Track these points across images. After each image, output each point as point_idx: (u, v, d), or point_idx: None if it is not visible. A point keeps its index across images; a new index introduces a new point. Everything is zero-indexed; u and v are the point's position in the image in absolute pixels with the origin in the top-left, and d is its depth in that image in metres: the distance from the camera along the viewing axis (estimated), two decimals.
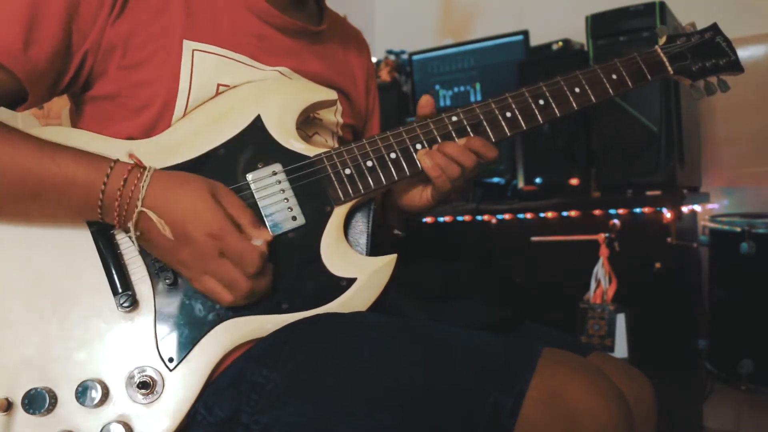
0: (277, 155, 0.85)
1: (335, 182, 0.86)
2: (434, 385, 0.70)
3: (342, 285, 0.82)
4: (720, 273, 1.81)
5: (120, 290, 0.77)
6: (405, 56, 2.65)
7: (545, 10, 2.51)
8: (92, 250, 0.79)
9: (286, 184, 0.84)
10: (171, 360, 0.77)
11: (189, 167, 0.82)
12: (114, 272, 0.78)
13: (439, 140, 0.90)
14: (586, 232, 1.80)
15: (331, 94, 0.90)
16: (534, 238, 1.91)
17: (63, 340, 0.76)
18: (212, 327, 0.79)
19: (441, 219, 2.08)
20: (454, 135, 0.91)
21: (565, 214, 1.88)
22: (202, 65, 0.85)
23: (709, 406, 2.04)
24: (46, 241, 0.79)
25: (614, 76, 0.97)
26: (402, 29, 2.93)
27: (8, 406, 0.73)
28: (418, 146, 0.89)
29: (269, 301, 0.81)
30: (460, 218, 2.06)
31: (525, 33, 2.26)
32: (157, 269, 0.79)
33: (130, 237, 0.75)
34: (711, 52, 1.02)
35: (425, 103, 0.92)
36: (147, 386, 0.75)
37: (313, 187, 0.85)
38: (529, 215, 1.94)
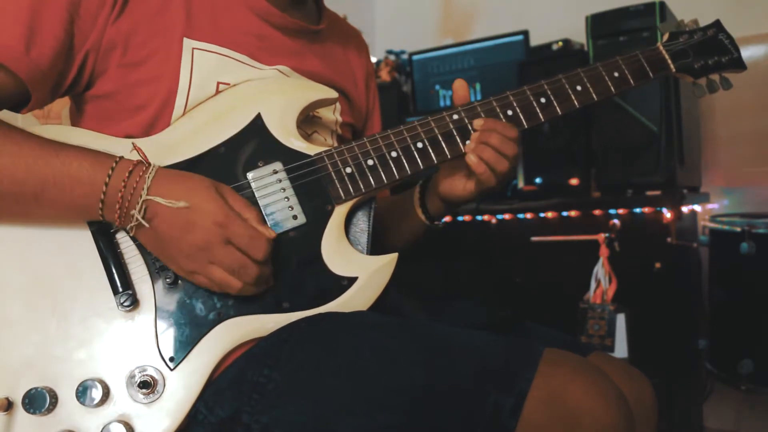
0: (277, 154, 0.85)
1: (336, 181, 0.86)
2: (434, 385, 0.70)
3: (343, 284, 0.82)
4: (720, 273, 1.81)
5: (120, 289, 0.77)
6: (405, 56, 2.65)
7: (545, 10, 2.51)
8: (92, 250, 0.79)
9: (286, 183, 0.84)
10: (172, 359, 0.77)
11: (189, 166, 0.82)
12: (114, 271, 0.78)
13: (441, 139, 0.90)
14: (586, 232, 1.80)
15: (331, 93, 0.90)
16: (534, 238, 1.91)
17: (63, 339, 0.76)
18: (213, 326, 0.79)
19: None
20: (455, 133, 0.91)
21: (565, 214, 1.88)
22: (202, 64, 0.85)
23: (709, 406, 2.04)
24: (46, 240, 0.79)
25: (616, 74, 0.97)
26: (402, 29, 2.93)
27: (9, 406, 0.73)
28: (419, 144, 0.89)
29: (270, 300, 0.81)
30: (460, 218, 2.06)
31: (525, 33, 2.26)
32: (157, 268, 0.79)
33: (131, 228, 0.75)
34: (713, 49, 1.01)
35: (459, 86, 0.94)
36: (148, 386, 0.75)
37: (313, 186, 0.85)
38: (529, 215, 1.94)
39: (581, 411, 0.67)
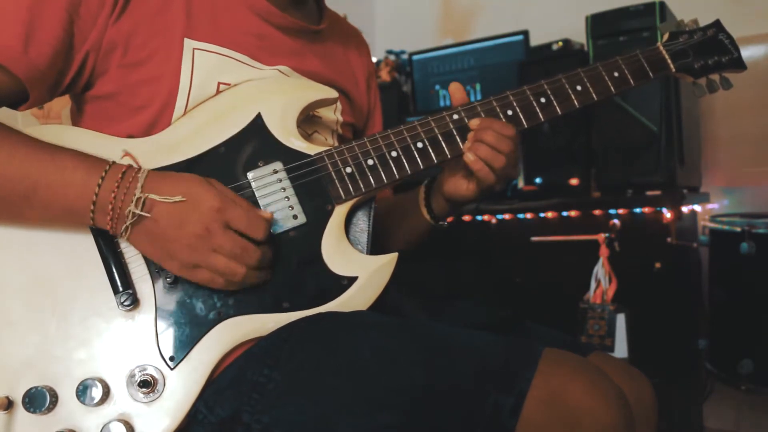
0: (277, 154, 0.85)
1: (336, 181, 0.86)
2: (434, 385, 0.70)
3: (343, 284, 0.82)
4: (720, 273, 1.81)
5: (120, 289, 0.77)
6: (405, 56, 2.65)
7: (545, 10, 2.51)
8: (92, 249, 0.79)
9: (286, 183, 0.84)
10: (172, 359, 0.77)
11: (189, 165, 0.82)
12: (114, 271, 0.78)
13: (441, 138, 0.90)
14: (586, 232, 1.80)
15: (332, 93, 0.90)
16: (534, 238, 1.91)
17: (64, 339, 0.76)
18: (213, 326, 0.79)
19: None
20: (455, 133, 0.91)
21: (565, 214, 1.88)
22: (203, 64, 0.85)
23: (709, 406, 2.04)
24: (46, 240, 0.79)
25: (616, 74, 0.97)
26: (402, 29, 2.93)
27: (9, 405, 0.73)
28: (419, 144, 0.89)
29: (270, 299, 0.81)
30: (460, 218, 2.06)
31: (525, 33, 2.26)
32: (157, 268, 0.79)
33: (125, 229, 0.74)
34: (713, 49, 1.01)
35: (455, 89, 0.94)
36: (148, 385, 0.75)
37: (313, 186, 0.85)
38: (529, 215, 1.94)
39: (581, 411, 0.67)
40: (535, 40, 2.24)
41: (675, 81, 1.77)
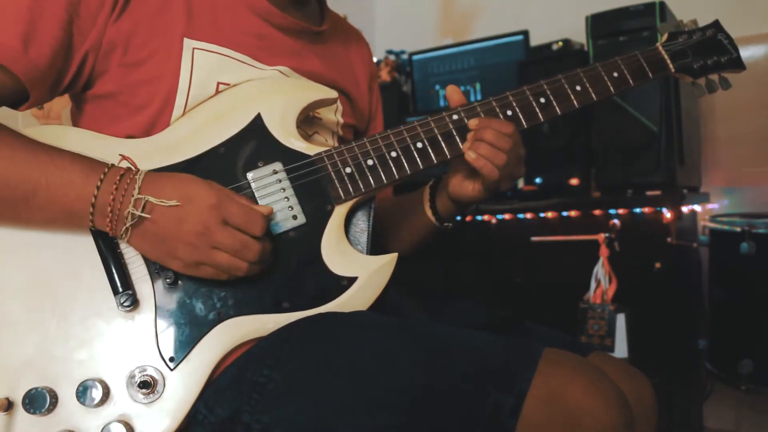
0: (277, 154, 0.85)
1: (336, 181, 0.86)
2: (434, 385, 0.70)
3: (343, 284, 0.82)
4: (720, 273, 1.81)
5: (120, 289, 0.77)
6: (405, 56, 2.65)
7: (545, 10, 2.51)
8: (92, 250, 0.79)
9: (286, 183, 0.84)
10: (172, 359, 0.77)
11: (189, 165, 0.82)
12: (114, 271, 0.78)
13: (440, 139, 0.90)
14: (586, 232, 1.80)
15: (331, 93, 0.90)
16: (534, 238, 1.91)
17: (63, 339, 0.76)
18: (213, 326, 0.79)
19: None
20: (455, 133, 0.91)
21: (565, 214, 1.88)
22: (202, 64, 0.85)
23: (709, 406, 2.04)
24: (46, 241, 0.79)
25: (615, 74, 0.97)
26: (402, 29, 2.93)
27: (9, 406, 0.73)
28: (419, 144, 0.89)
29: (270, 300, 0.81)
30: (459, 218, 2.05)
31: (525, 33, 2.26)
32: (157, 268, 0.79)
33: (125, 231, 0.74)
34: (713, 49, 1.02)
35: (452, 91, 0.94)
36: (148, 386, 0.75)
37: (313, 186, 0.85)
38: (529, 215, 1.94)
39: (581, 411, 0.67)
40: (535, 40, 2.24)
41: (675, 81, 1.77)
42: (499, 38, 2.31)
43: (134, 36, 0.83)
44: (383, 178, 0.88)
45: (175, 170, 0.81)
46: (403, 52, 2.68)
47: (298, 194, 0.84)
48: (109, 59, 0.83)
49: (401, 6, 2.99)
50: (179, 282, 0.79)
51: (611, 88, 0.96)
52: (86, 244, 0.79)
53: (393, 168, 0.88)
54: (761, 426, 2.03)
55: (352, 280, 0.83)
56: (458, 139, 0.91)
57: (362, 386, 0.72)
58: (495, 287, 1.99)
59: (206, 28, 0.87)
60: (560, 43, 2.10)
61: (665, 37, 1.02)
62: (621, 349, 1.65)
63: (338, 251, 0.84)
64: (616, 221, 1.76)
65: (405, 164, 0.89)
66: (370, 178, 0.87)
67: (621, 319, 1.67)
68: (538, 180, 1.98)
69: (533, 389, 0.68)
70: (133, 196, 0.74)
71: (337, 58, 1.05)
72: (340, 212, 0.86)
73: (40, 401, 0.73)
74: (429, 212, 1.04)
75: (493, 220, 2.01)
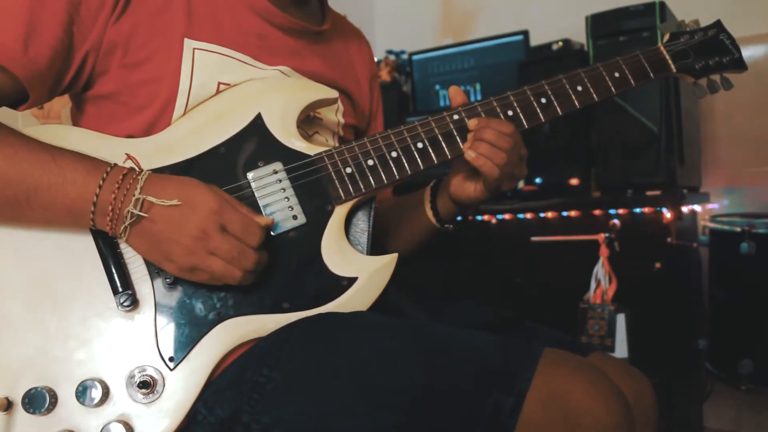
0: (277, 154, 0.85)
1: (336, 181, 0.86)
2: (434, 385, 0.70)
3: (343, 284, 0.82)
4: (720, 273, 1.81)
5: (120, 289, 0.77)
6: (405, 56, 2.65)
7: (545, 10, 2.51)
8: (92, 250, 0.79)
9: (286, 183, 0.84)
10: (171, 359, 0.77)
11: (189, 165, 0.82)
12: (114, 271, 0.78)
13: (441, 139, 0.90)
14: (586, 232, 1.80)
15: (332, 93, 0.90)
16: (534, 238, 1.91)
17: (63, 339, 0.76)
18: (213, 326, 0.79)
19: None
20: (455, 133, 0.91)
21: (565, 214, 1.88)
22: (203, 64, 0.85)
23: (709, 406, 2.04)
24: (46, 240, 0.79)
25: (617, 74, 0.97)
26: (402, 29, 2.93)
27: (8, 406, 0.73)
28: (420, 144, 0.89)
29: (270, 300, 0.81)
30: (460, 218, 2.05)
31: (525, 33, 2.26)
32: (157, 268, 0.79)
33: (124, 229, 0.74)
34: (714, 49, 1.01)
35: (455, 92, 0.94)
36: (147, 386, 0.75)
37: (313, 186, 0.85)
38: (529, 215, 1.94)
39: (581, 411, 0.67)
40: (535, 40, 2.24)
41: (675, 81, 1.77)
42: (499, 38, 2.31)
43: (134, 36, 0.83)
44: (384, 178, 0.88)
45: (175, 170, 0.81)
46: (403, 52, 2.68)
47: (299, 194, 0.84)
48: (109, 60, 0.83)
49: (401, 6, 2.99)
50: (179, 282, 0.79)
51: (612, 89, 0.96)
52: (86, 244, 0.79)
53: (393, 168, 0.88)
54: (761, 426, 2.03)
55: (352, 281, 0.83)
56: (459, 139, 0.91)
57: (362, 386, 0.72)
58: (495, 287, 1.99)
59: (207, 29, 0.87)
60: (560, 43, 2.10)
61: (667, 37, 1.02)
62: (621, 349, 1.65)
63: (338, 251, 0.84)
64: (616, 221, 1.76)
65: (405, 164, 0.89)
66: (371, 178, 0.87)
67: (621, 319, 1.67)
68: (538, 180, 1.98)
69: (533, 389, 0.68)
70: (134, 195, 0.74)
71: (338, 57, 1.05)
72: (340, 212, 0.86)
73: (39, 401, 0.73)
74: (429, 213, 1.04)
75: (493, 220, 2.01)
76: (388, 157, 0.88)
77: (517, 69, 2.10)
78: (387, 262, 0.84)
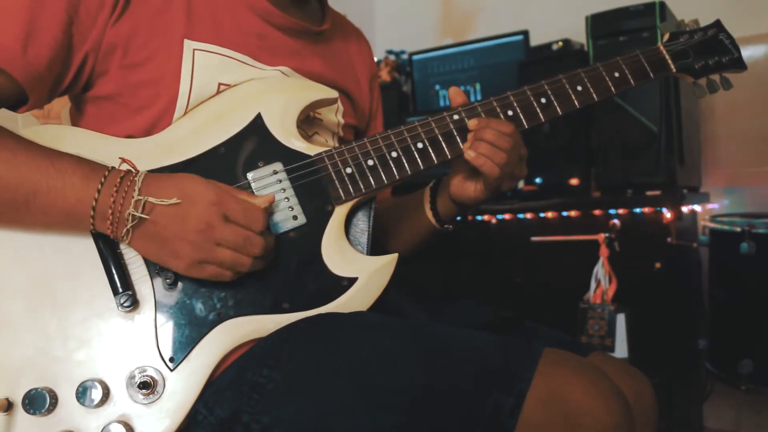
0: (277, 154, 0.85)
1: (336, 181, 0.86)
2: (434, 385, 0.70)
3: (343, 285, 0.82)
4: (720, 273, 1.81)
5: (120, 290, 0.77)
6: (405, 56, 2.65)
7: (545, 10, 2.51)
8: (92, 250, 0.79)
9: (286, 183, 0.84)
10: (172, 360, 0.77)
11: (188, 165, 0.82)
12: (114, 272, 0.78)
13: (441, 139, 0.90)
14: (586, 232, 1.80)
15: (332, 93, 0.90)
16: (534, 238, 1.91)
17: (63, 340, 0.76)
18: (213, 327, 0.79)
19: None
20: (455, 133, 0.91)
21: (565, 214, 1.88)
22: (203, 65, 0.85)
23: (709, 406, 2.04)
24: (46, 241, 0.79)
25: (616, 74, 0.97)
26: (402, 29, 2.93)
27: (9, 407, 0.73)
28: (420, 145, 0.89)
29: (270, 300, 0.81)
30: (459, 218, 2.05)
31: (525, 33, 2.26)
32: (157, 269, 0.79)
33: (126, 232, 0.74)
34: (714, 49, 1.02)
35: (455, 93, 0.94)
36: (148, 386, 0.75)
37: (313, 186, 0.85)
38: (529, 215, 1.94)
39: (581, 411, 0.67)
40: (535, 40, 2.24)
41: (675, 81, 1.77)
42: (499, 38, 2.31)
43: (134, 37, 0.82)
44: (384, 178, 0.88)
45: (175, 170, 0.81)
46: (403, 52, 2.68)
47: (299, 194, 0.84)
48: (108, 60, 0.83)
49: (401, 6, 2.99)
50: (179, 282, 0.79)
51: (612, 89, 0.96)
52: (86, 245, 0.79)
53: (393, 168, 0.88)
54: (761, 426, 2.03)
55: (352, 281, 0.83)
56: (459, 139, 0.91)
57: (362, 386, 0.72)
58: (495, 287, 1.99)
59: (206, 29, 0.87)
60: (560, 43, 2.10)
61: (666, 36, 1.02)
62: (621, 349, 1.65)
63: (338, 251, 0.84)
64: (616, 221, 1.76)
65: (405, 164, 0.89)
66: (371, 178, 0.87)
67: (621, 319, 1.67)
68: (538, 180, 1.98)
69: (533, 389, 0.68)
70: (133, 197, 0.73)
71: (338, 57, 1.05)
72: (340, 212, 0.86)
73: (39, 402, 0.73)
74: (429, 213, 1.04)
75: (493, 220, 2.01)
76: (388, 158, 0.88)
77: (517, 69, 2.10)
78: (387, 262, 0.84)
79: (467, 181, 0.98)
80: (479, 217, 2.03)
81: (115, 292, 0.77)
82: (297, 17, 0.95)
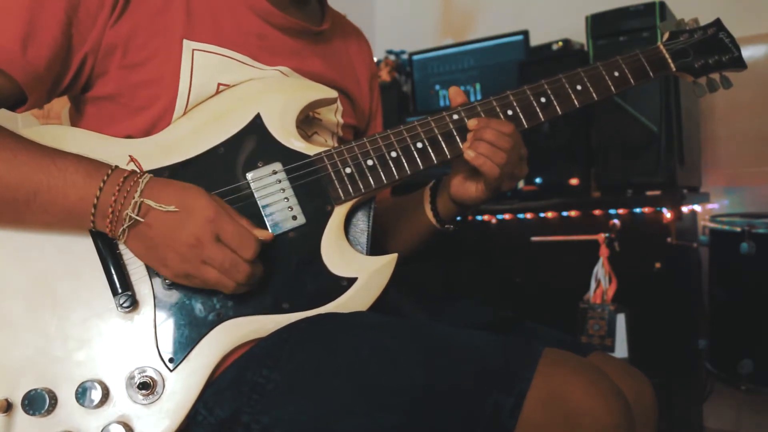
0: (277, 154, 0.85)
1: (335, 181, 0.86)
2: (434, 385, 0.70)
3: (342, 285, 0.82)
4: (720, 273, 1.81)
5: (120, 290, 0.77)
6: (405, 56, 2.65)
7: (545, 10, 2.51)
8: (92, 251, 0.79)
9: (286, 183, 0.84)
10: (171, 360, 0.77)
11: (188, 165, 0.82)
12: (113, 272, 0.77)
13: (441, 139, 0.90)
14: (586, 232, 1.80)
15: (331, 93, 0.90)
16: (534, 238, 1.91)
17: (63, 340, 0.76)
18: (212, 327, 0.79)
19: None
20: (455, 133, 0.91)
21: (565, 214, 1.88)
22: (203, 65, 0.85)
23: (709, 406, 2.04)
24: (46, 241, 0.79)
25: (616, 74, 0.97)
26: (402, 29, 2.93)
27: (8, 407, 0.73)
28: (419, 144, 0.89)
29: (270, 300, 0.81)
30: (459, 218, 2.05)
31: (525, 33, 2.26)
32: None
33: (123, 232, 0.74)
34: (714, 48, 1.01)
35: (455, 93, 0.94)
36: (147, 387, 0.75)
37: (313, 186, 0.85)
38: (529, 215, 1.94)
39: (581, 411, 0.67)
40: (535, 40, 2.24)
41: (675, 80, 1.77)
42: (499, 38, 2.31)
43: (134, 37, 0.82)
44: (383, 178, 0.87)
45: (174, 170, 0.81)
46: (403, 52, 2.68)
47: (298, 194, 0.84)
48: (108, 61, 0.82)
49: (401, 6, 2.99)
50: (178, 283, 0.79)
51: (612, 88, 0.96)
52: (86, 245, 0.79)
53: (393, 168, 0.88)
54: (761, 426, 2.03)
55: (351, 281, 0.83)
56: (458, 139, 0.91)
57: (362, 386, 0.72)
58: (495, 287, 1.99)
59: (206, 29, 0.87)
60: (560, 43, 2.10)
61: (666, 36, 1.02)
62: (621, 349, 1.65)
63: (338, 252, 0.84)
64: (616, 221, 1.76)
65: (405, 164, 0.89)
66: (370, 178, 0.87)
67: (621, 319, 1.67)
68: (538, 180, 1.98)
69: (533, 389, 0.68)
70: (133, 198, 0.73)
71: (338, 57, 1.05)
72: (339, 213, 0.86)
73: (39, 402, 0.73)
74: (429, 213, 1.04)
75: (493, 220, 2.01)
76: (388, 158, 0.88)
77: (517, 69, 2.11)
78: (387, 262, 0.84)
79: (467, 181, 0.98)
80: (479, 217, 2.03)
81: (115, 293, 0.77)
82: (297, 17, 0.95)
